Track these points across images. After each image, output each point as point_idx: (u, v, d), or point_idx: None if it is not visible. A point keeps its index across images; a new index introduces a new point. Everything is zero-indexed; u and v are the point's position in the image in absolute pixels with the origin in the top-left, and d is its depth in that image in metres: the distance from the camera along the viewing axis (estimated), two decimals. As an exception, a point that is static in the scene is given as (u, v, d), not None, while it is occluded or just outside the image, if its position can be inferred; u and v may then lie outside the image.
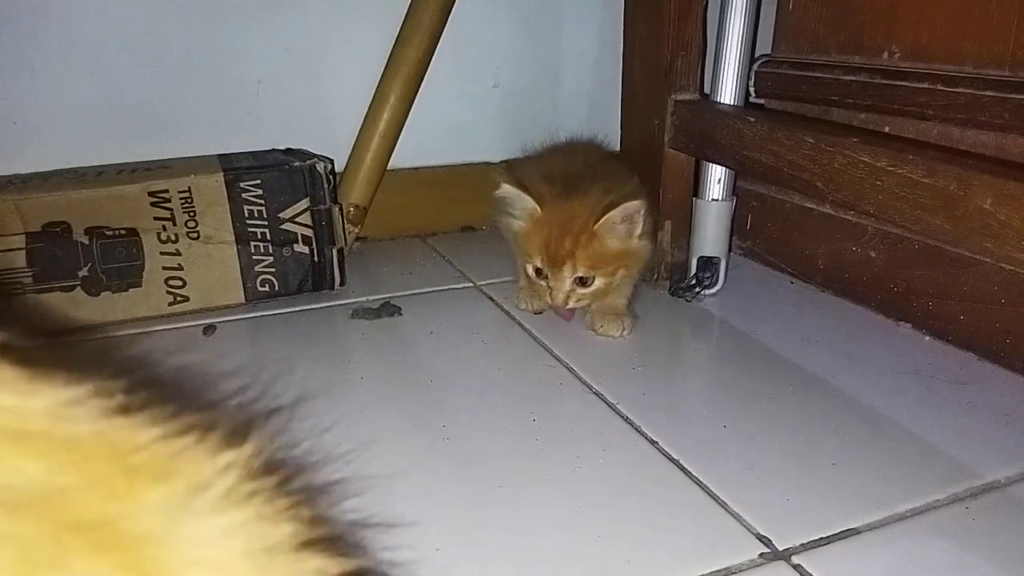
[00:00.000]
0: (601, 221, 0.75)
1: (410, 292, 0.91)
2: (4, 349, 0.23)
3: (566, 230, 0.76)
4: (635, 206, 0.76)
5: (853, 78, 0.83)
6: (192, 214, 0.83)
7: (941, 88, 0.75)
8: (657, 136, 0.87)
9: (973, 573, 0.48)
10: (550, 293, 0.79)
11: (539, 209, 0.78)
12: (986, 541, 0.51)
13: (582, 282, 0.79)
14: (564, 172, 0.81)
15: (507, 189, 0.79)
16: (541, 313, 0.85)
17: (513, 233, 0.83)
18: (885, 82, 0.80)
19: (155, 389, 0.28)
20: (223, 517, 0.23)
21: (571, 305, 0.80)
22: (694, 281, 0.88)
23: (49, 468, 0.21)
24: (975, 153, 0.69)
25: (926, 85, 0.76)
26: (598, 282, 0.79)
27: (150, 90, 0.93)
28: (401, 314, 0.85)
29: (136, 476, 0.22)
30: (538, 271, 0.80)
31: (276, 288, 0.87)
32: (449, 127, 1.08)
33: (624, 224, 0.77)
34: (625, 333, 0.80)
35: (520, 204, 0.80)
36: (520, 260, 0.84)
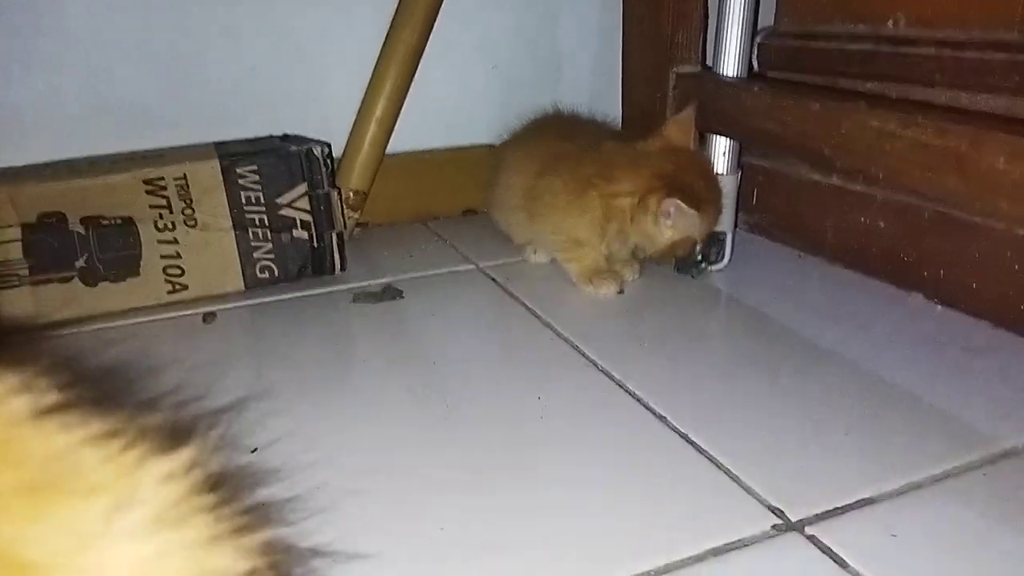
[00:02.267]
0: (697, 145, 0.83)
1: (412, 275, 0.90)
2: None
3: (712, 192, 0.82)
4: (690, 121, 0.83)
5: (858, 47, 0.82)
6: (188, 201, 0.82)
7: (948, 53, 0.73)
8: (660, 110, 0.86)
9: (991, 539, 0.47)
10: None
11: (699, 214, 0.78)
12: (1005, 507, 0.50)
13: None
14: (616, 154, 0.82)
15: (680, 206, 0.77)
16: (622, 292, 0.84)
17: (667, 242, 0.82)
18: (891, 50, 0.78)
19: (93, 385, 0.25)
20: (150, 542, 0.19)
21: None
22: (700, 257, 0.87)
23: None
24: (985, 113, 0.67)
25: (933, 51, 0.74)
26: None
27: (142, 79, 0.91)
28: (403, 297, 0.84)
29: (44, 491, 0.19)
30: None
31: (276, 274, 0.86)
32: (448, 109, 1.06)
33: None
34: None
35: (687, 218, 0.79)
36: (659, 256, 0.84)
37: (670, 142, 0.82)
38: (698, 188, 0.79)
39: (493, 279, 0.89)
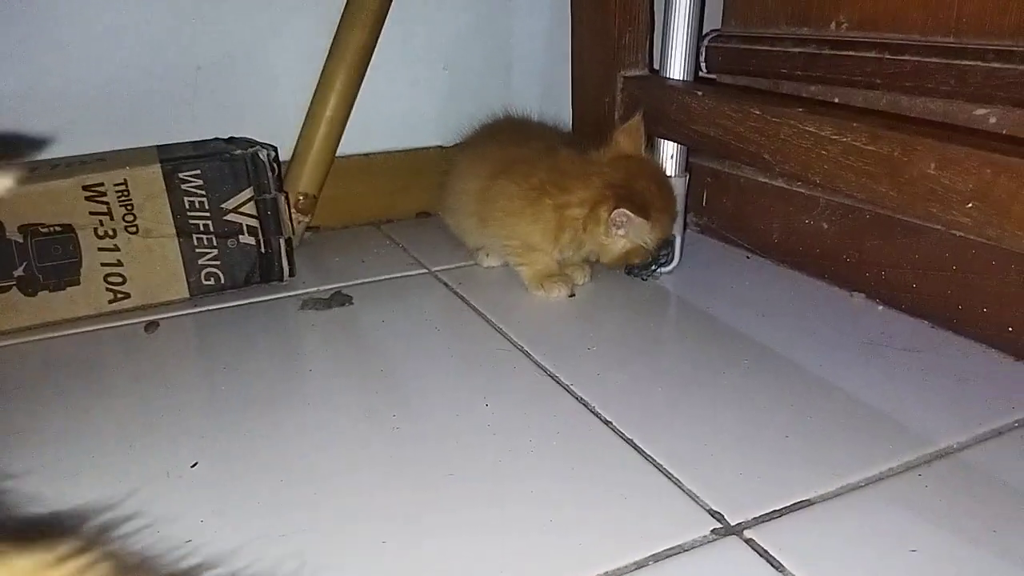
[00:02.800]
0: (649, 150, 0.84)
1: (362, 280, 0.89)
2: None
3: (666, 199, 0.82)
4: (639, 121, 0.83)
5: (801, 50, 0.83)
6: (130, 207, 0.80)
7: (888, 57, 0.74)
8: (608, 113, 0.86)
9: (927, 539, 0.48)
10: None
11: (650, 223, 0.79)
12: (940, 507, 0.51)
13: None
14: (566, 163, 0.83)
15: (628, 216, 0.77)
16: (573, 295, 0.85)
17: (618, 252, 0.82)
18: (833, 52, 0.80)
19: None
20: None
21: None
22: (650, 260, 0.87)
23: None
24: (918, 119, 0.69)
25: (873, 54, 0.75)
26: None
27: (81, 80, 0.89)
28: (352, 303, 0.83)
29: None
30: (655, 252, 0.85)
31: (222, 281, 0.85)
32: (399, 111, 1.06)
33: None
34: None
35: (636, 227, 0.79)
36: (613, 264, 0.84)
37: (621, 151, 0.82)
38: (649, 196, 0.79)
39: (445, 283, 0.88)
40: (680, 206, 0.87)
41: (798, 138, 0.62)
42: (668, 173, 0.86)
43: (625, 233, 0.80)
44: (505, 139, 0.90)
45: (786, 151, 0.63)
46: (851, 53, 0.77)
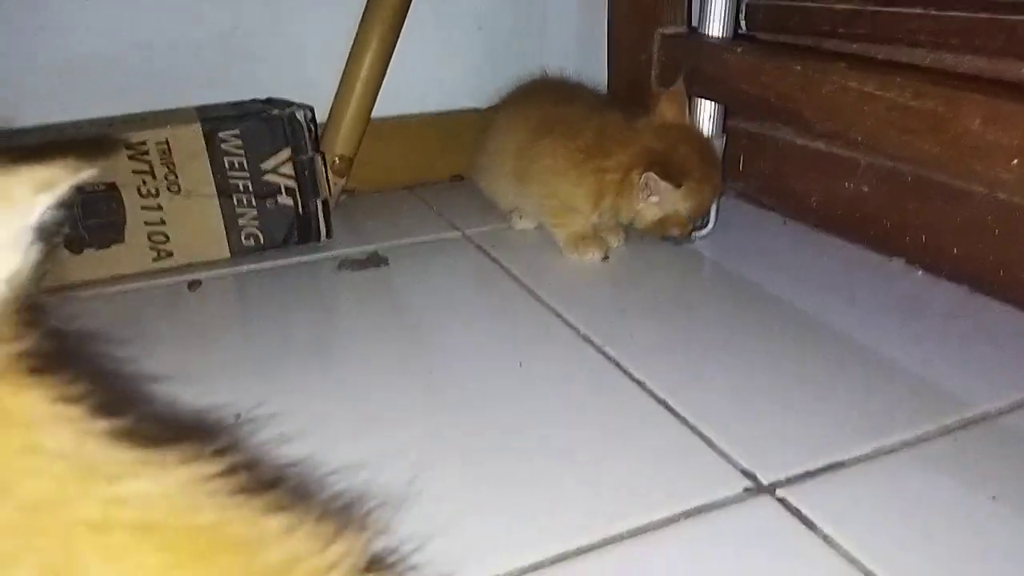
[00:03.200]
0: (691, 117, 0.83)
1: (397, 242, 0.90)
2: (119, 430, 0.23)
3: (707, 170, 0.80)
4: (680, 95, 0.82)
5: (844, 6, 0.80)
6: (171, 167, 0.81)
7: (933, 12, 0.72)
8: (644, 72, 0.85)
9: (960, 503, 0.48)
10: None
11: (681, 191, 0.78)
12: (974, 471, 0.50)
13: None
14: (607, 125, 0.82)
15: (655, 181, 0.77)
16: (607, 258, 0.84)
17: (651, 219, 0.82)
18: (876, 9, 0.77)
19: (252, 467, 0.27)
20: None
21: None
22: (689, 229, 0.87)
23: (171, 562, 0.21)
24: (963, 74, 0.67)
25: (918, 10, 0.73)
26: None
27: (121, 41, 0.90)
28: (388, 265, 0.84)
29: (262, 572, 0.22)
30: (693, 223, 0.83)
31: (261, 242, 0.86)
32: (434, 73, 1.05)
33: None
34: None
35: (664, 193, 0.79)
36: (651, 232, 0.84)
37: (666, 118, 0.81)
38: (687, 165, 0.78)
39: (479, 246, 0.89)
40: (716, 169, 0.86)
41: (840, 95, 0.61)
42: (705, 134, 0.84)
43: (659, 200, 0.79)
44: (544, 100, 0.89)
45: (828, 108, 0.62)
46: (895, 9, 0.75)
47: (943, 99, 0.53)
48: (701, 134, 0.84)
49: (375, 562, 0.26)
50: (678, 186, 0.77)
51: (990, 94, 0.51)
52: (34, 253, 0.24)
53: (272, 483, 0.26)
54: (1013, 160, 0.50)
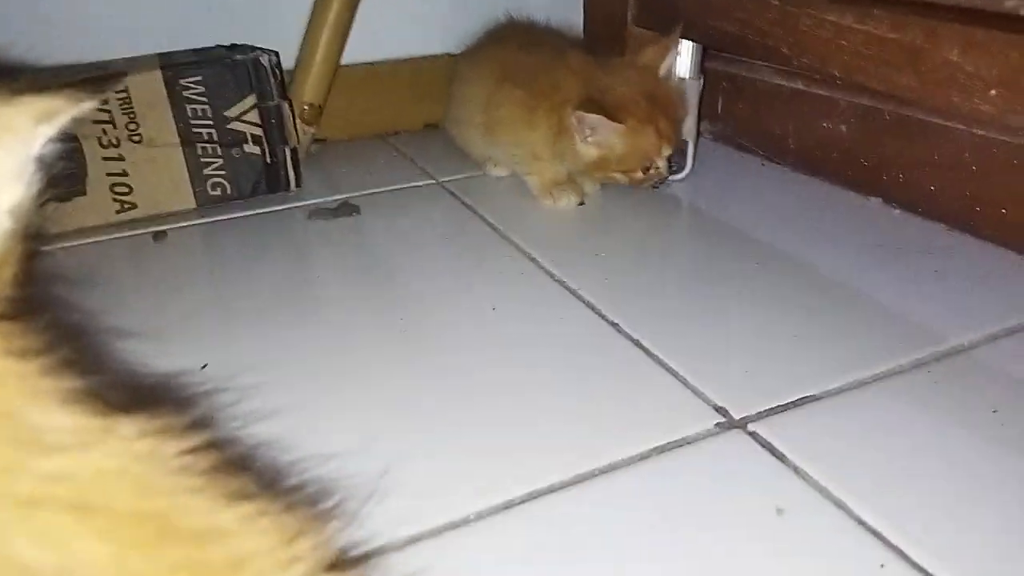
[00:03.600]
0: (664, 66, 0.78)
1: (369, 191, 0.88)
2: (75, 392, 0.20)
3: (658, 110, 0.76)
4: (676, 46, 0.78)
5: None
6: (132, 116, 0.79)
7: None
8: (620, 13, 0.83)
9: (932, 434, 0.48)
10: (658, 173, 0.79)
11: (623, 126, 0.75)
12: (948, 403, 0.50)
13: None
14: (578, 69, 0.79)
15: (585, 117, 0.74)
16: (583, 203, 0.82)
17: (591, 159, 0.78)
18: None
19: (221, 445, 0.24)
20: None
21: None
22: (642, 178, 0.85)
23: (110, 552, 0.18)
24: (942, 5, 0.65)
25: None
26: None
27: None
28: (359, 213, 0.82)
29: (214, 568, 0.19)
30: (647, 168, 0.78)
31: (228, 192, 0.84)
32: (405, 18, 1.02)
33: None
34: None
35: (601, 129, 0.75)
36: (598, 175, 0.81)
37: (636, 62, 0.79)
38: (629, 104, 0.75)
39: (452, 193, 0.87)
40: (693, 111, 0.85)
41: (818, 28, 0.59)
42: (683, 74, 0.83)
43: (595, 139, 0.76)
44: (511, 45, 0.87)
45: (805, 43, 0.60)
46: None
47: (921, 30, 0.52)
48: (664, 80, 0.80)
49: (342, 558, 0.24)
50: (617, 121, 0.74)
51: (968, 23, 0.49)
52: (36, 184, 0.22)
53: (239, 463, 0.24)
54: (991, 91, 0.49)
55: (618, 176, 0.80)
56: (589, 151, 0.78)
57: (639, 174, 0.79)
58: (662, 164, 0.78)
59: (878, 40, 0.55)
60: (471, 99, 0.87)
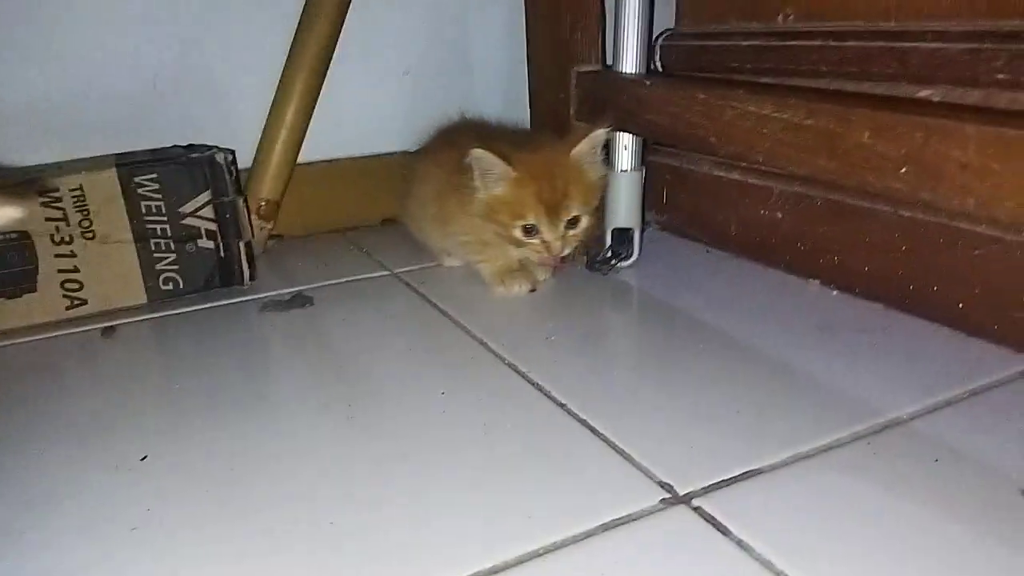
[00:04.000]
0: (578, 148, 0.78)
1: (324, 283, 0.89)
2: None
3: (552, 174, 0.77)
4: (601, 135, 0.78)
5: (750, 43, 0.84)
6: (86, 213, 0.79)
7: (832, 44, 0.75)
8: (563, 109, 0.87)
9: (874, 506, 0.48)
10: (547, 247, 0.79)
11: (512, 171, 0.77)
12: (888, 475, 0.51)
13: (573, 224, 0.79)
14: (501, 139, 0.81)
15: (480, 155, 0.76)
16: (535, 291, 0.84)
17: (483, 204, 0.79)
18: (780, 44, 0.81)
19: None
20: None
21: (566, 251, 0.80)
22: (609, 254, 0.88)
23: None
24: (853, 93, 0.70)
25: (818, 43, 0.77)
26: (584, 220, 0.80)
27: (40, 89, 0.89)
28: (313, 304, 0.83)
29: None
30: (528, 229, 0.79)
31: (181, 286, 0.84)
32: (362, 117, 1.06)
33: (594, 154, 0.80)
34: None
35: (492, 170, 0.77)
36: (493, 232, 0.81)
37: (550, 141, 0.81)
38: (526, 160, 0.77)
39: (407, 284, 0.88)
40: (637, 201, 0.88)
41: (741, 119, 0.63)
42: (623, 167, 0.86)
43: (484, 179, 0.78)
44: (462, 142, 0.90)
45: (730, 132, 0.64)
46: (797, 43, 0.79)
47: (834, 116, 0.55)
48: (573, 160, 0.79)
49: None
50: (506, 162, 0.76)
51: (876, 107, 0.53)
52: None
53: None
54: (902, 169, 0.52)
55: (502, 225, 0.80)
56: (481, 195, 0.79)
57: (518, 233, 0.79)
58: (550, 237, 0.78)
59: (795, 127, 0.58)
60: (424, 194, 0.90)
